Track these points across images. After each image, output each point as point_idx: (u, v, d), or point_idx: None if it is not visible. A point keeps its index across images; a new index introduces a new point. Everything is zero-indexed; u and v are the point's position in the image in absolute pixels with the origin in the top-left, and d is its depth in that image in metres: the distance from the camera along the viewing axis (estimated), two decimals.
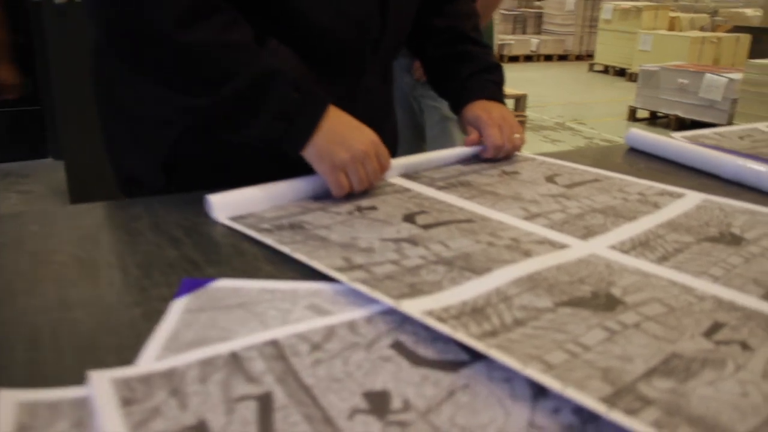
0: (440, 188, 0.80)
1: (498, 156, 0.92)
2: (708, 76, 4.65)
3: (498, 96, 0.97)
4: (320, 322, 0.49)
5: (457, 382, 0.41)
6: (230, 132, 0.75)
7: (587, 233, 0.66)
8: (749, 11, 8.42)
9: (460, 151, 0.93)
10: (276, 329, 0.48)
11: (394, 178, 0.83)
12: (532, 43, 9.15)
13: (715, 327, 0.47)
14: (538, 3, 9.88)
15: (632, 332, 0.46)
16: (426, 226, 0.66)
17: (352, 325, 0.48)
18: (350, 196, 0.76)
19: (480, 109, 0.93)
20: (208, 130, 0.80)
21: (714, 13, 8.70)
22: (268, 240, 0.63)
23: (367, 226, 0.66)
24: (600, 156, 1.03)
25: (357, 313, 0.50)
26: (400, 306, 0.49)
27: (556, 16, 9.55)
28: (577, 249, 0.61)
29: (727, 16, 8.33)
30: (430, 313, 0.47)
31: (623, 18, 7.68)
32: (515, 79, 6.34)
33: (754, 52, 5.71)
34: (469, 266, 0.56)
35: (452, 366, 0.43)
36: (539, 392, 0.40)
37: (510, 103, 4.32)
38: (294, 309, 0.51)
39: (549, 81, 7.24)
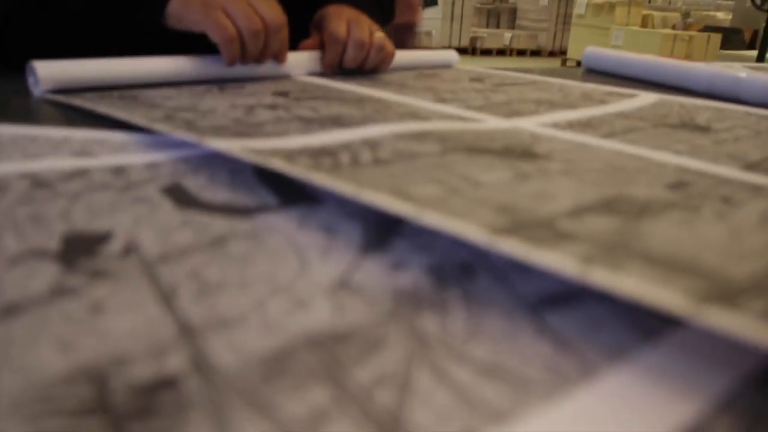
0: (339, 80, 0.62)
1: (352, 59, 0.64)
2: None
3: (366, 5, 0.71)
4: (76, 164, 0.31)
5: (237, 228, 0.24)
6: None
7: (512, 114, 0.49)
8: (720, 14, 8.41)
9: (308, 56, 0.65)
10: None
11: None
12: (506, 37, 9.00)
13: (683, 184, 0.30)
14: None
15: (556, 176, 0.29)
16: (298, 98, 0.49)
17: (120, 169, 0.31)
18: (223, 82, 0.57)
19: (329, 9, 0.68)
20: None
21: (686, 14, 8.68)
22: (75, 101, 0.45)
23: (220, 97, 0.48)
24: (549, 74, 0.86)
25: (138, 158, 0.32)
26: (204, 141, 0.31)
27: (530, 11, 9.43)
28: (494, 123, 0.44)
29: (698, 18, 8.31)
30: (250, 151, 0.30)
31: (596, 13, 7.60)
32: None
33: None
34: (335, 122, 0.39)
35: (243, 211, 0.25)
36: (376, 242, 0.23)
37: None
38: (51, 153, 0.33)
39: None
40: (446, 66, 0.81)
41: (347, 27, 0.65)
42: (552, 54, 9.07)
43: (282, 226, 0.24)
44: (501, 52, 8.76)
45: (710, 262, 0.19)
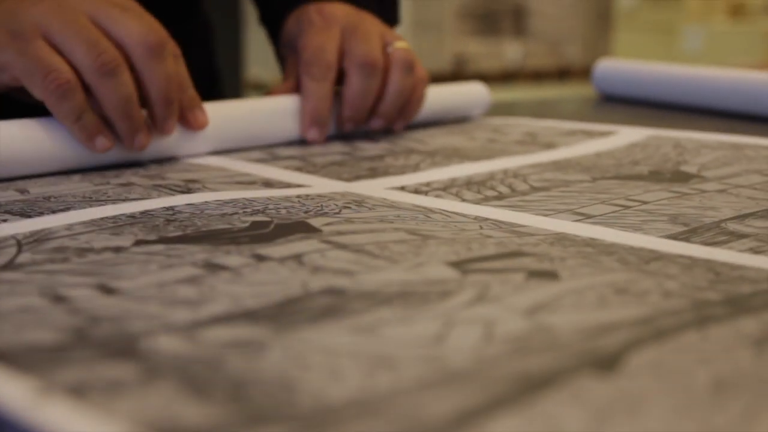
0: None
1: (356, 98, 0.42)
2: None
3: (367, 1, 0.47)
4: None
5: None
6: None
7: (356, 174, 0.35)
8: None
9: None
10: None
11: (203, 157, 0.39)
12: (510, 52, 5.75)
13: None
14: None
15: None
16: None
17: None
18: None
19: (309, 10, 0.44)
20: None
21: None
22: None
23: None
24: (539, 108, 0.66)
25: None
26: None
27: (547, 10, 5.65)
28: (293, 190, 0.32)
29: None
30: None
31: (654, 6, 6.05)
32: None
33: None
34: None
35: None
36: None
37: None
38: None
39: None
40: (464, 118, 0.53)
41: (338, 39, 0.42)
42: (588, 73, 6.74)
43: None
44: (506, 78, 5.51)
45: None
